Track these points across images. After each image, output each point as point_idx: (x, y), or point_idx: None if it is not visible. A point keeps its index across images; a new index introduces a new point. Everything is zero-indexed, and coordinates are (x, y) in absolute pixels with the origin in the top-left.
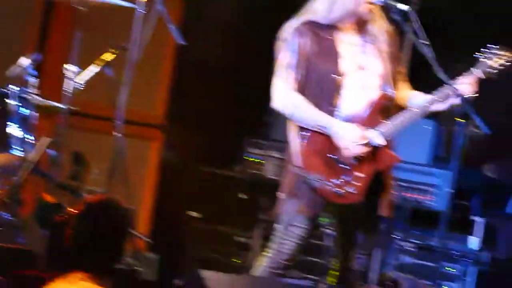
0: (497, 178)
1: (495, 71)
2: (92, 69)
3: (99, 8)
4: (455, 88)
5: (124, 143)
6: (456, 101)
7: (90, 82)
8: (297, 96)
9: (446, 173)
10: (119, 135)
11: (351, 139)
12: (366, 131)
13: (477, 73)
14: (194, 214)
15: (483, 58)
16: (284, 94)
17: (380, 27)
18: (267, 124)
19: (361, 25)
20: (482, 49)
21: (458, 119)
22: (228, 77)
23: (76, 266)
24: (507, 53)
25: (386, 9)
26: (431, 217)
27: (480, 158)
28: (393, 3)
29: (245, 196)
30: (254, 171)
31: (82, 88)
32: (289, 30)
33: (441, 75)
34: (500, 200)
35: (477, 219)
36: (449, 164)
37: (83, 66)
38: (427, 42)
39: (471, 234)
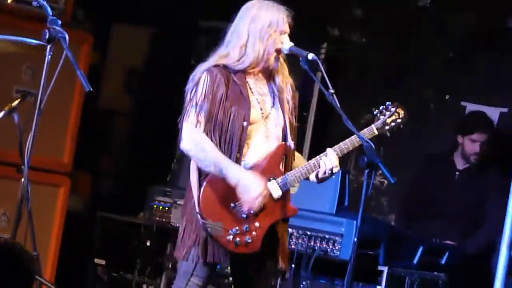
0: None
1: (388, 128)
2: None
3: (5, 52)
4: (319, 161)
5: (30, 189)
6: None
7: None
8: (206, 139)
9: (351, 222)
10: (25, 181)
11: (255, 196)
12: (267, 183)
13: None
14: (100, 261)
15: (379, 114)
16: (193, 136)
17: (284, 78)
18: (174, 171)
19: (268, 73)
20: (379, 106)
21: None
22: (134, 123)
23: None
24: (400, 110)
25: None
26: (337, 267)
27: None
28: (299, 51)
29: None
30: (161, 219)
31: None
32: (200, 71)
33: (349, 124)
34: (408, 251)
35: (384, 269)
36: (355, 213)
37: None
38: (333, 91)
39: (379, 284)
